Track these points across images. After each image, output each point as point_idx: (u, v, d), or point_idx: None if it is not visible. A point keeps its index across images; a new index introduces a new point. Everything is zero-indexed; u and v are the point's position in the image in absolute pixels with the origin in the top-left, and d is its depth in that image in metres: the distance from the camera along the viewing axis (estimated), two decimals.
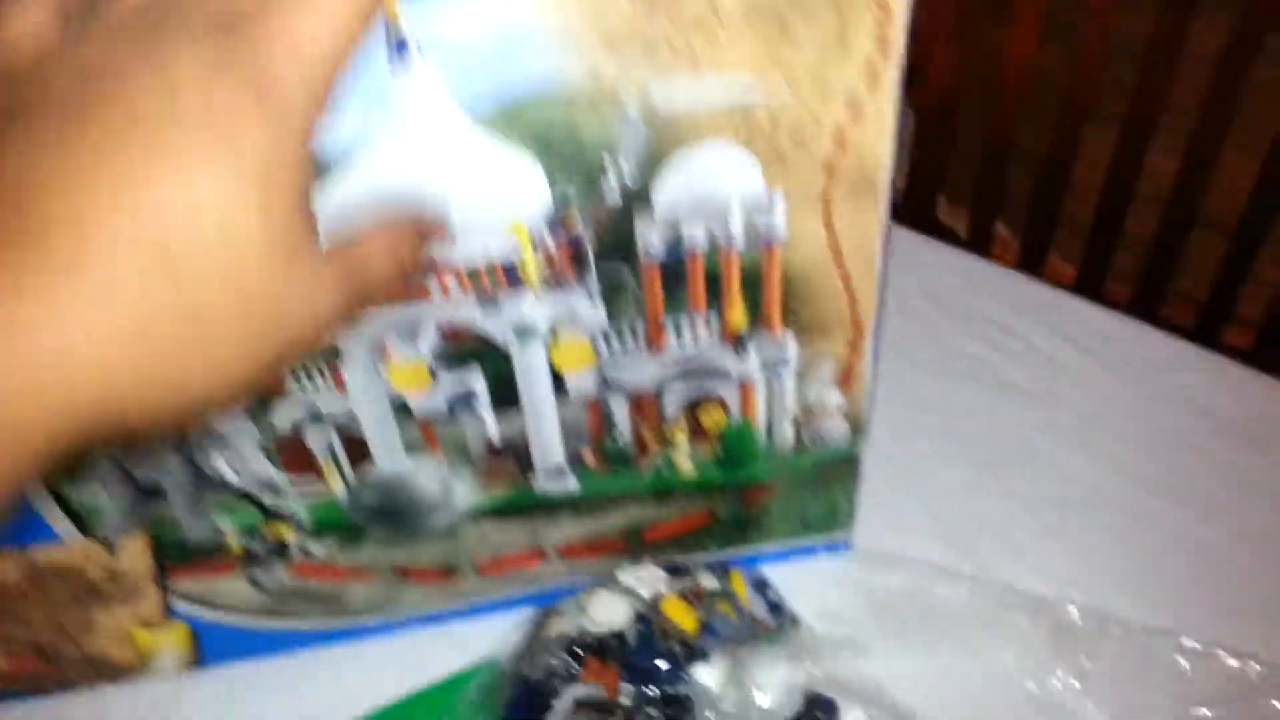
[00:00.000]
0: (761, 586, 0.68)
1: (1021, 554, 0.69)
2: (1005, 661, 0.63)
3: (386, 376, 0.54)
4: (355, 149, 0.44)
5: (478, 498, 0.61)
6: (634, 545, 0.66)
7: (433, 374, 0.54)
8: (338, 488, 0.58)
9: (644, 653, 0.60)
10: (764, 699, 0.59)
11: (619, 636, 0.61)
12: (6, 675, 0.63)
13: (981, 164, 1.14)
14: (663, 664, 0.60)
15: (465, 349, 0.54)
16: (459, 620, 0.67)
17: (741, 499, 0.65)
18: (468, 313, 0.52)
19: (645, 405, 0.59)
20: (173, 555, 0.60)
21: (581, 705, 0.58)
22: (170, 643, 0.64)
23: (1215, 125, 0.93)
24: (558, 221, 0.49)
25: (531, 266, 0.50)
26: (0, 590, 0.59)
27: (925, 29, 1.09)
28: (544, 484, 0.61)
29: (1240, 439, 0.77)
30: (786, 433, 0.61)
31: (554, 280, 0.52)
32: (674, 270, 0.52)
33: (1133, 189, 1.03)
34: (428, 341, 0.53)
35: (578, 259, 0.51)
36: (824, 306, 0.55)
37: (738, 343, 0.56)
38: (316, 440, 0.56)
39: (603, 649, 0.60)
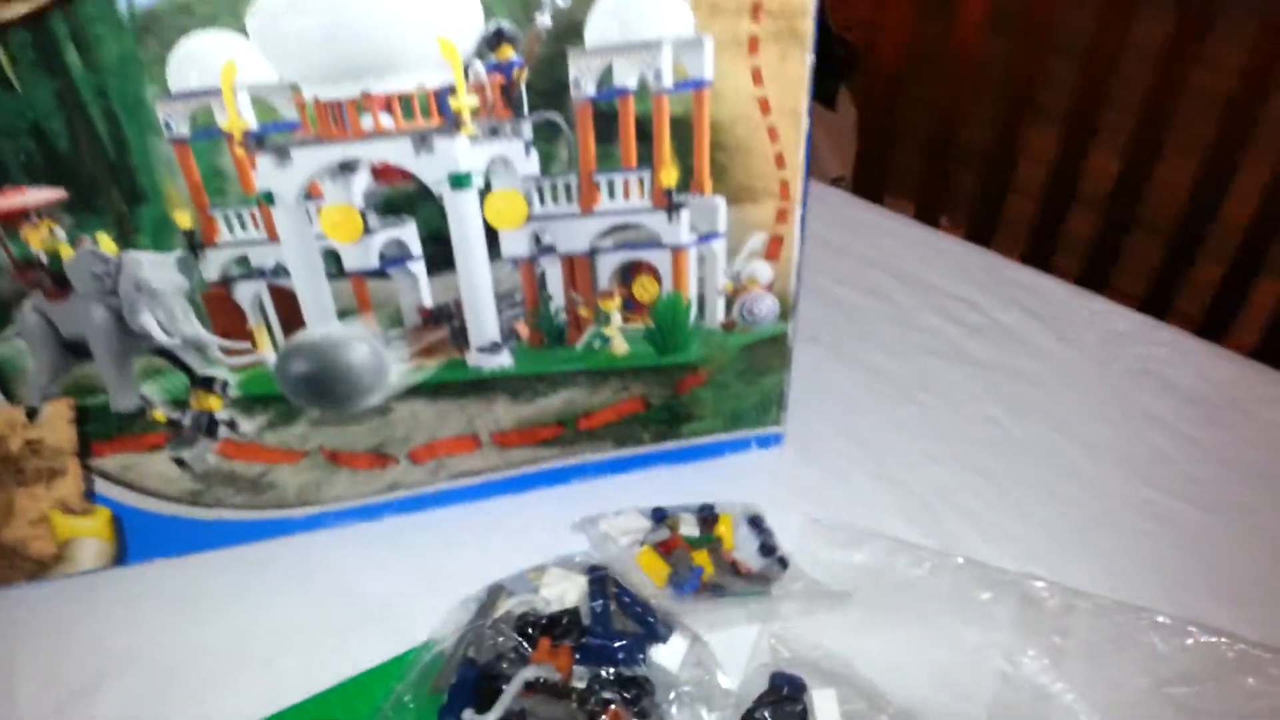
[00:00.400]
0: (757, 523, 0.67)
1: (983, 527, 0.67)
2: (973, 639, 0.60)
3: (317, 222, 0.54)
4: None
5: (410, 372, 0.60)
6: (569, 434, 0.66)
7: (365, 223, 0.55)
8: (267, 350, 0.58)
9: (598, 633, 0.58)
10: (726, 680, 0.58)
11: (572, 615, 0.59)
12: None
13: (926, 159, 1.18)
14: (618, 644, 0.57)
15: (398, 197, 0.54)
16: (393, 601, 0.63)
17: (673, 384, 0.65)
18: (400, 151, 0.53)
19: (579, 271, 0.59)
20: (96, 429, 0.58)
21: (532, 687, 0.55)
22: (91, 531, 0.62)
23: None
24: (490, 48, 0.50)
25: (463, 93, 0.51)
26: None
27: (874, 18, 1.14)
28: (478, 360, 0.61)
29: (1200, 413, 0.76)
30: (718, 308, 0.62)
31: (487, 126, 0.53)
32: (606, 117, 0.54)
33: (1076, 188, 1.07)
34: (361, 182, 0.53)
35: (511, 99, 0.52)
36: (753, 167, 0.57)
37: (670, 205, 0.58)
38: (246, 294, 0.56)
39: (555, 628, 0.58)
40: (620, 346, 0.63)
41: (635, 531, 0.65)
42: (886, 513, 0.68)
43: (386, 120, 0.52)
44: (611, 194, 0.57)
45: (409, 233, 0.56)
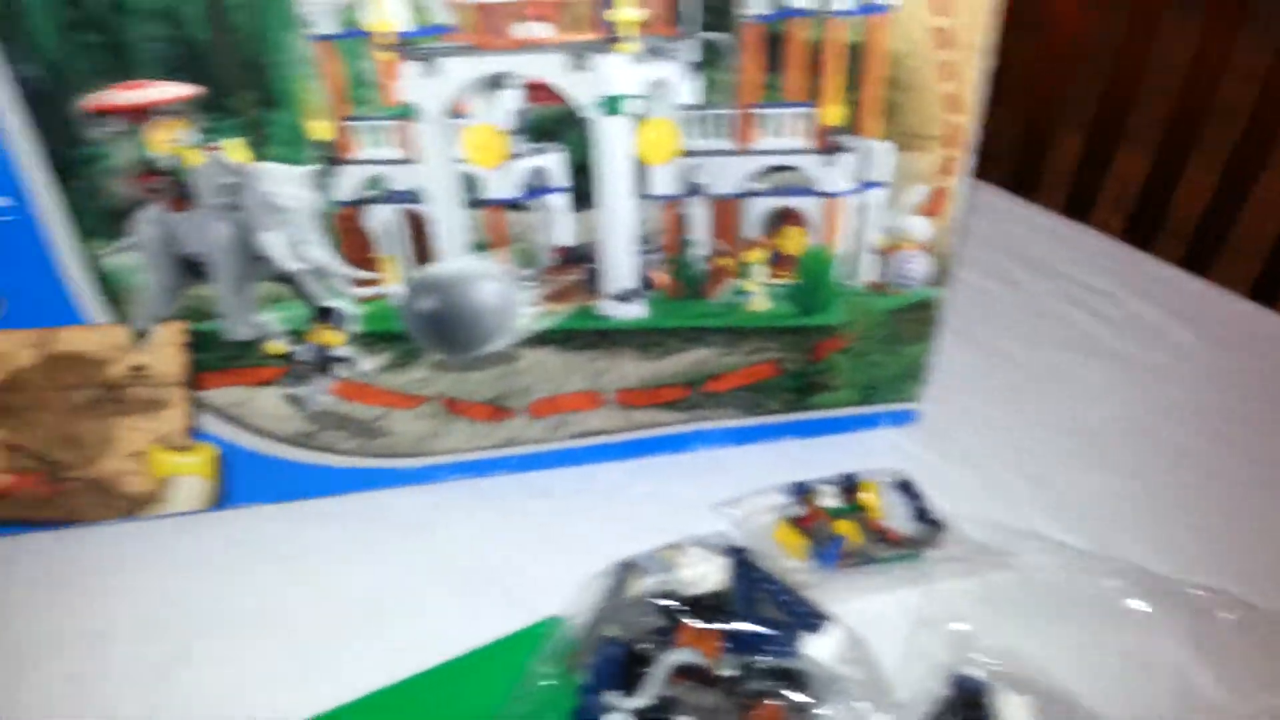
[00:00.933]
0: (906, 488, 0.64)
1: (1134, 531, 0.62)
2: (1144, 651, 0.56)
3: (462, 144, 0.50)
4: None
5: (538, 317, 0.57)
6: (695, 396, 0.61)
7: (511, 148, 0.51)
8: (396, 286, 0.54)
9: (747, 619, 0.54)
10: (888, 679, 0.54)
11: (721, 599, 0.56)
12: (3, 492, 0.57)
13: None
14: (769, 632, 0.54)
15: (547, 120, 0.51)
16: (514, 571, 0.59)
17: (811, 348, 0.61)
18: (552, 67, 0.49)
19: (726, 216, 0.55)
20: (206, 359, 0.55)
21: (679, 673, 0.52)
22: (193, 469, 0.59)
23: None
24: None
25: (625, 4, 0.47)
26: (10, 380, 0.54)
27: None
28: (610, 308, 0.57)
29: None
30: (868, 267, 0.58)
31: (647, 45, 0.49)
32: (774, 41, 0.50)
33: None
34: (511, 100, 0.50)
35: (679, 14, 0.48)
36: (924, 108, 0.52)
37: (830, 145, 0.53)
38: (378, 219, 0.52)
39: (702, 612, 0.54)
40: (761, 303, 0.58)
41: (775, 509, 0.62)
42: (1028, 509, 0.63)
43: (542, 30, 0.48)
44: (770, 131, 0.53)
45: (555, 160, 0.52)
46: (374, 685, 0.53)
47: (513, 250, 0.54)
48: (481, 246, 0.54)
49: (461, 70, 0.48)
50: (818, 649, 0.53)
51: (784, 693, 0.51)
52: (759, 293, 0.58)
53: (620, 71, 0.49)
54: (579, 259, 0.55)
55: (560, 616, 0.55)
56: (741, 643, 0.53)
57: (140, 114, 0.47)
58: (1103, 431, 0.69)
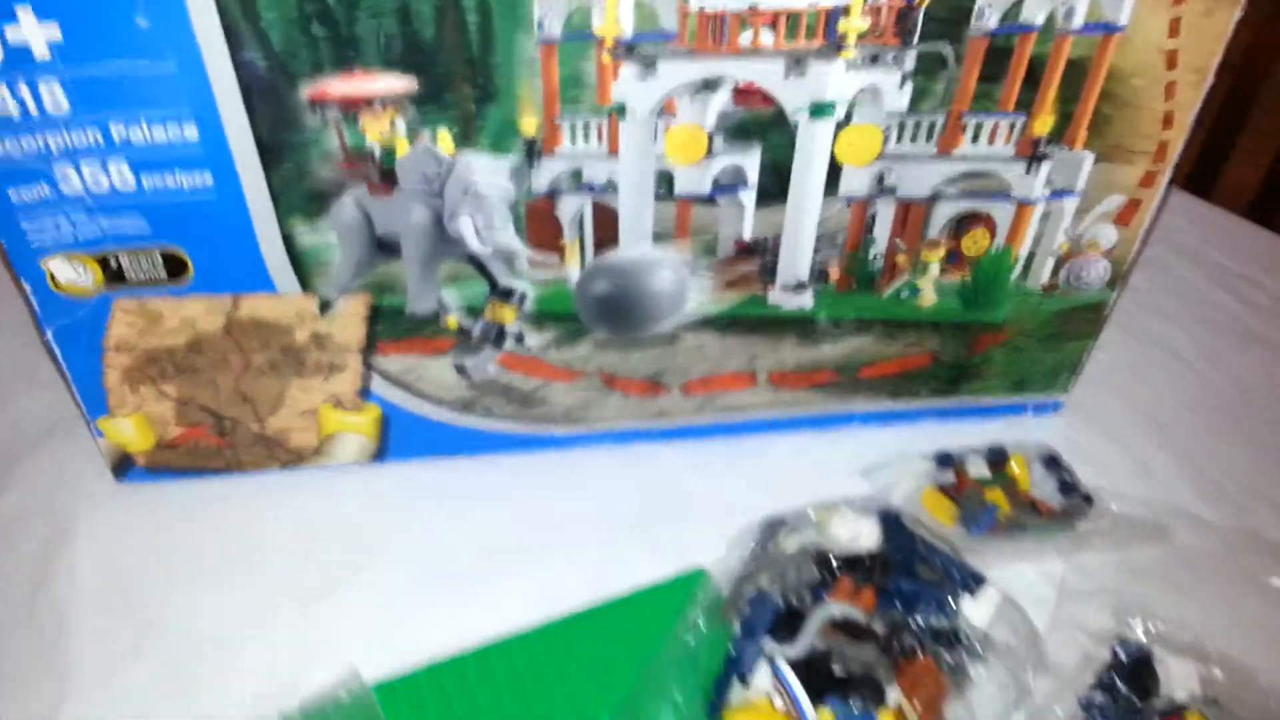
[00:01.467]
0: (1053, 462, 0.64)
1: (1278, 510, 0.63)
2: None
3: (663, 141, 0.50)
4: None
5: (708, 304, 0.57)
6: (847, 381, 0.62)
7: (710, 146, 0.50)
8: (575, 266, 0.54)
9: (904, 577, 0.54)
10: (1045, 643, 0.54)
11: (879, 557, 0.56)
12: (171, 441, 0.59)
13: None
14: (926, 591, 0.54)
15: (750, 122, 0.50)
16: (661, 523, 0.60)
17: (970, 343, 0.61)
18: (770, 72, 0.48)
19: (912, 217, 0.55)
20: (385, 330, 0.55)
21: (834, 626, 0.52)
22: (358, 428, 0.60)
23: None
24: None
25: (857, 13, 0.46)
26: (194, 342, 0.54)
27: None
28: (780, 298, 0.57)
29: None
30: (1044, 270, 0.57)
31: (869, 52, 0.47)
32: (997, 54, 0.48)
33: None
34: (718, 102, 0.48)
35: (905, 26, 0.47)
36: (1138, 124, 0.51)
37: (1035, 155, 0.52)
38: (569, 208, 0.52)
39: (858, 569, 0.55)
40: (929, 298, 0.58)
41: (921, 476, 0.63)
42: (1177, 490, 0.64)
43: (766, 37, 0.46)
44: (975, 137, 0.52)
45: (751, 160, 0.51)
46: (523, 624, 0.54)
47: (694, 241, 0.54)
48: (663, 237, 0.53)
49: (678, 73, 0.47)
50: (974, 611, 0.53)
51: (940, 650, 0.52)
52: (929, 289, 0.58)
53: (836, 78, 0.48)
54: (757, 251, 0.55)
55: (707, 569, 0.56)
56: (896, 600, 0.53)
57: (357, 103, 0.46)
58: (1251, 414, 0.69)
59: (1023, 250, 0.56)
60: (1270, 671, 0.52)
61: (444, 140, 0.48)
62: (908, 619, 0.52)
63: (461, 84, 0.46)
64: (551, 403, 0.61)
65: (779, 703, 0.50)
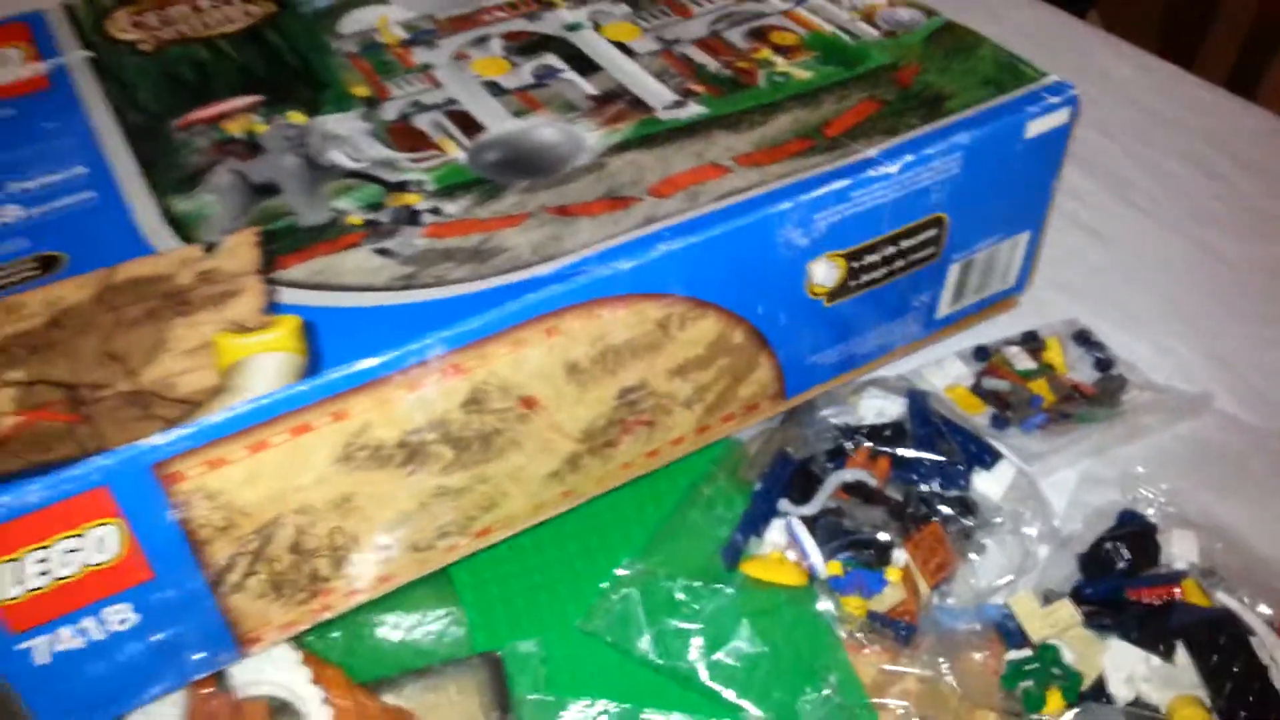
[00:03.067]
0: (1084, 338, 0.66)
1: None
2: None
3: (471, 70, 0.60)
4: None
5: (606, 135, 0.55)
6: (821, 142, 0.53)
7: (511, 63, 0.61)
8: (457, 154, 0.54)
9: (920, 448, 0.57)
10: (1056, 513, 0.58)
11: (896, 427, 0.58)
12: (2, 437, 0.38)
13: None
14: (940, 462, 0.56)
15: (532, 42, 0.62)
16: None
17: (893, 83, 0.57)
18: (519, 24, 0.64)
19: (712, 46, 0.61)
20: (283, 246, 0.48)
21: (848, 490, 0.55)
22: (272, 344, 0.42)
23: None
24: None
25: None
26: (54, 320, 0.44)
27: None
28: (669, 114, 0.56)
29: None
30: (864, 29, 0.62)
31: None
32: None
33: None
34: (494, 46, 0.62)
35: None
36: None
37: None
38: (424, 122, 0.56)
39: (876, 439, 0.58)
40: (801, 75, 0.59)
41: (961, 377, 0.63)
42: (1215, 392, 0.64)
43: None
44: None
45: (550, 57, 0.61)
46: None
47: (549, 107, 0.57)
48: (521, 112, 0.57)
49: (452, 42, 0.63)
50: (988, 484, 0.57)
51: (950, 517, 0.54)
52: (794, 69, 0.59)
53: (569, 10, 0.65)
54: (614, 96, 0.58)
55: (739, 438, 0.59)
56: (912, 469, 0.56)
57: (217, 119, 0.57)
58: None
59: (829, 30, 0.62)
60: (1270, 547, 0.55)
61: (295, 116, 0.57)
62: (920, 487, 0.56)
63: (298, 88, 0.59)
64: (509, 247, 0.47)
65: (792, 556, 0.54)
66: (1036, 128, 0.54)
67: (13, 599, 0.38)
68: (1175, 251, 0.73)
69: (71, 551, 0.38)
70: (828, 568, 0.52)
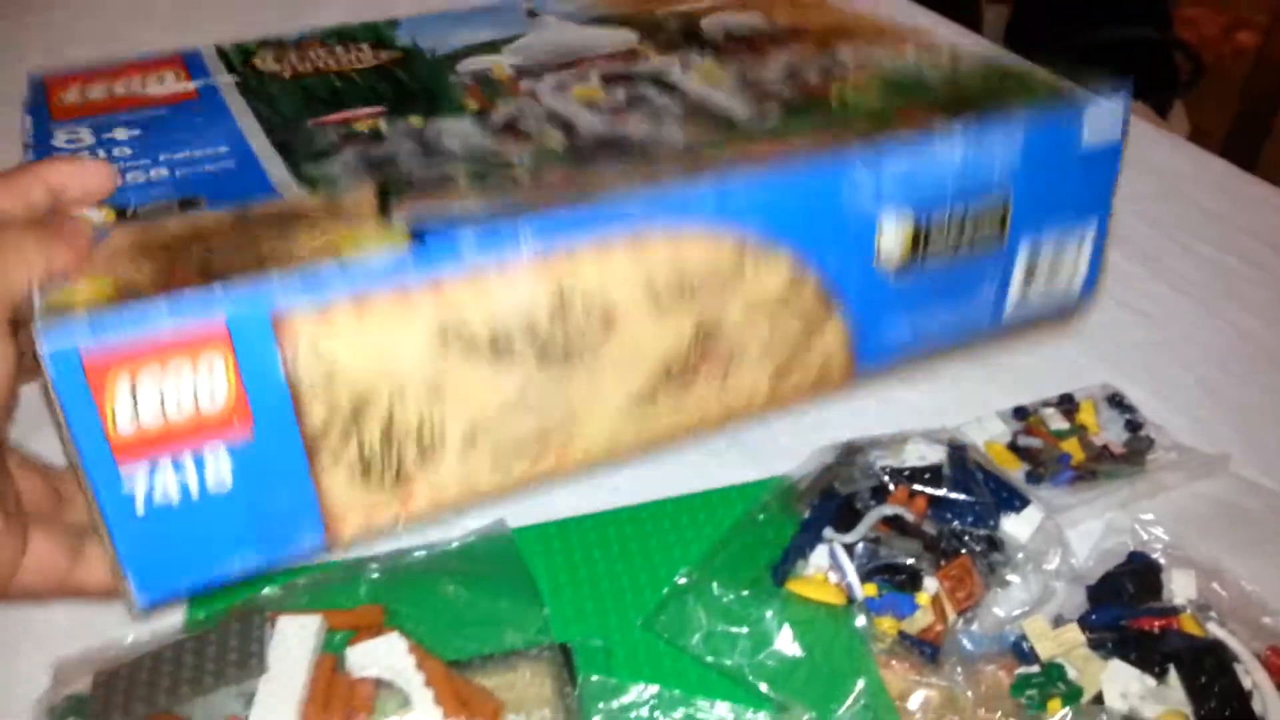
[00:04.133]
0: (1117, 401, 0.71)
1: None
2: None
3: (572, 93, 0.67)
4: None
5: (694, 137, 0.60)
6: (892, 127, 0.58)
7: (607, 91, 0.67)
8: (556, 146, 0.59)
9: (956, 489, 0.63)
10: (1075, 556, 0.64)
11: (934, 470, 0.65)
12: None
13: None
14: (972, 503, 0.62)
15: (626, 74, 0.69)
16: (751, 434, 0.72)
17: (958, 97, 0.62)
18: (616, 66, 0.71)
19: (790, 79, 0.67)
20: (397, 195, 0.53)
21: (887, 523, 0.61)
22: (385, 242, 0.46)
23: None
24: None
25: None
26: (194, 234, 0.50)
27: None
28: (749, 124, 0.62)
29: None
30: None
31: None
32: None
33: None
34: (594, 77, 0.69)
35: None
36: None
37: None
38: (529, 124, 0.62)
39: (916, 479, 0.64)
40: (871, 99, 0.64)
41: (999, 435, 0.71)
42: (1241, 460, 0.68)
43: None
44: None
45: (642, 85, 0.67)
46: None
47: (644, 118, 0.62)
48: (617, 124, 0.62)
49: (553, 77, 0.70)
50: (1016, 526, 0.63)
51: (978, 551, 0.61)
52: (865, 97, 0.64)
53: None
54: (700, 111, 0.63)
55: (789, 476, 0.69)
56: (947, 508, 0.63)
57: (347, 121, 0.64)
58: None
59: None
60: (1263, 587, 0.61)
61: (415, 120, 0.64)
62: (953, 524, 0.62)
63: (418, 103, 0.66)
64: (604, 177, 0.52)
65: (833, 578, 0.62)
66: (1093, 120, 0.57)
67: (123, 436, 0.41)
68: (1211, 331, 0.76)
69: (183, 389, 0.41)
70: (864, 589, 0.60)
